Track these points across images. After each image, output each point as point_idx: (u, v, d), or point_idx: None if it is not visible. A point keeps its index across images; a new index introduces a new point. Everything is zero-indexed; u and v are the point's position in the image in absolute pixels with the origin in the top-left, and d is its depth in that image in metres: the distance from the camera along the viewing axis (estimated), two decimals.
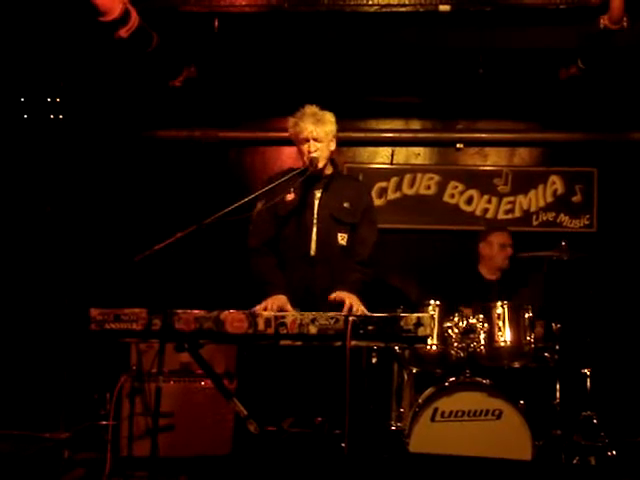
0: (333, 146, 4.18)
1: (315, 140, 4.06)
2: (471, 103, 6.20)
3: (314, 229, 4.08)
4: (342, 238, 4.11)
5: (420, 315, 3.33)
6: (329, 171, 4.23)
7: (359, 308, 3.80)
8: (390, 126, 6.36)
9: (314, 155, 4.04)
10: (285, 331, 3.32)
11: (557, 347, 4.84)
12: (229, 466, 4.63)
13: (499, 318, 4.63)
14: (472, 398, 4.44)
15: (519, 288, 5.26)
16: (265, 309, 3.76)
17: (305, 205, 4.12)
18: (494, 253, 5.32)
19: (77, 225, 6.05)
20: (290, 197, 4.11)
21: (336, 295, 3.87)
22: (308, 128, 4.05)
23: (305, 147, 4.07)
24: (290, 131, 4.15)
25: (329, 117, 4.12)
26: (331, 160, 4.24)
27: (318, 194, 4.14)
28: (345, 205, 4.14)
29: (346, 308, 3.78)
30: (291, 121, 4.14)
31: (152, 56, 5.14)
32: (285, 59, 5.79)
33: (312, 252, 4.05)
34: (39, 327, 5.83)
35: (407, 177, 6.21)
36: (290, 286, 4.01)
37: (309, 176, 4.04)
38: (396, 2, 4.81)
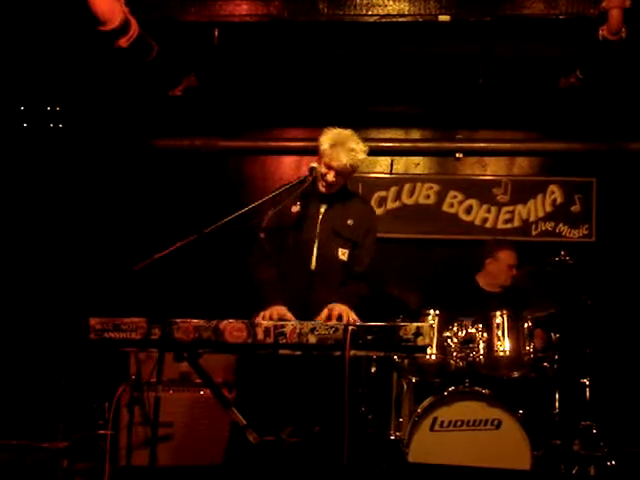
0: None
1: (338, 173, 3.95)
2: (471, 113, 6.21)
3: (315, 242, 4.01)
4: (343, 253, 4.05)
5: (419, 324, 3.33)
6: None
7: (350, 316, 3.76)
8: (390, 136, 6.36)
9: (330, 183, 3.96)
10: (284, 340, 3.31)
11: (556, 357, 4.85)
12: (228, 475, 4.61)
13: (498, 328, 4.64)
14: (471, 408, 4.44)
15: (519, 300, 5.22)
16: (264, 318, 3.75)
17: (309, 218, 4.05)
18: (501, 271, 5.28)
19: (77, 234, 6.04)
20: (295, 209, 4.03)
21: (327, 309, 3.82)
22: (342, 161, 3.90)
23: (324, 171, 3.95)
24: (321, 147, 3.95)
25: (363, 154, 3.97)
26: None
27: (322, 209, 4.07)
28: (349, 222, 4.08)
29: (334, 316, 3.74)
30: (328, 138, 3.95)
31: (152, 65, 5.15)
32: (285, 69, 5.80)
33: (312, 266, 3.99)
34: (38, 336, 5.83)
35: (406, 186, 6.21)
36: (289, 298, 3.93)
37: (316, 191, 4.00)
38: (396, 12, 4.82)
